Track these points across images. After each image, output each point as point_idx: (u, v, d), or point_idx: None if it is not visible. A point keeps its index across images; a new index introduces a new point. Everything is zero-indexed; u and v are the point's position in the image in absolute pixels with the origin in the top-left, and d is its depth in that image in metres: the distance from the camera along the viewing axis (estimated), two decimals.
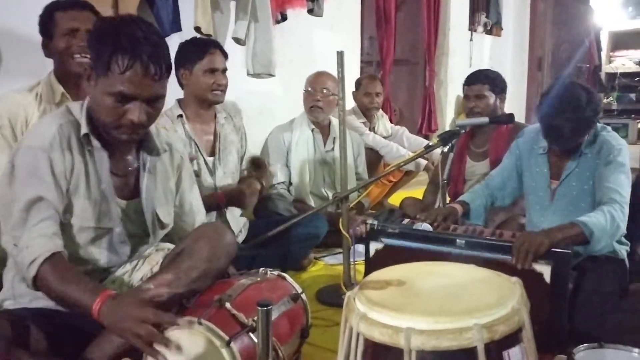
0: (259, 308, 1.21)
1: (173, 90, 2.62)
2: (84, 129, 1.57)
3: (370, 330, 1.11)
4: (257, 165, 2.76)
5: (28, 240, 1.44)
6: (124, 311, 1.33)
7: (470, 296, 1.19)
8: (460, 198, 2.43)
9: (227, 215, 2.67)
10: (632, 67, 7.85)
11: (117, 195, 1.65)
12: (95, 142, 1.59)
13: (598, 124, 2.22)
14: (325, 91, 3.26)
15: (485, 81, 2.97)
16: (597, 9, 7.99)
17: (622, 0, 8.22)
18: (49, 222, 1.48)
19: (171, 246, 1.77)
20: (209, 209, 2.52)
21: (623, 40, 8.01)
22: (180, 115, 2.59)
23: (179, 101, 2.66)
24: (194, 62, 2.58)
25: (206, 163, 2.63)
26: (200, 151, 2.62)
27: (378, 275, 1.31)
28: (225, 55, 2.68)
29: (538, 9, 7.57)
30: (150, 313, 1.32)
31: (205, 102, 2.63)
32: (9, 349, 1.35)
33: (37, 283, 1.44)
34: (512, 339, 1.12)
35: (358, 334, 1.13)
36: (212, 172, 2.64)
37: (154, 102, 1.55)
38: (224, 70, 2.64)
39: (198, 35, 3.05)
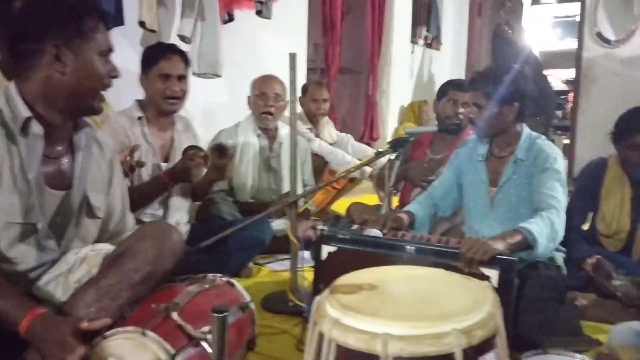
0: (214, 314, 1.14)
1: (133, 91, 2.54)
2: (26, 113, 1.46)
3: (344, 337, 1.05)
4: (223, 154, 2.57)
5: None
6: (51, 337, 1.31)
7: (445, 300, 1.15)
8: (406, 208, 2.44)
9: (169, 221, 2.54)
10: (559, 86, 8.25)
11: (51, 186, 1.53)
12: (36, 128, 1.48)
13: (533, 133, 2.29)
14: (276, 96, 3.17)
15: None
16: (528, 29, 8.37)
17: (551, 22, 8.65)
18: None
19: (111, 247, 1.64)
20: (156, 194, 2.47)
21: (552, 60, 8.43)
22: (140, 118, 2.50)
23: (139, 102, 2.56)
24: (150, 66, 2.50)
25: (159, 168, 2.52)
26: (155, 155, 2.53)
27: (347, 279, 1.25)
28: (186, 62, 2.57)
29: (475, 26, 7.83)
30: (74, 350, 1.29)
31: (160, 109, 2.53)
32: None
33: None
34: (488, 344, 1.08)
35: (330, 340, 1.06)
36: None
37: None
38: (180, 77, 2.52)
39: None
